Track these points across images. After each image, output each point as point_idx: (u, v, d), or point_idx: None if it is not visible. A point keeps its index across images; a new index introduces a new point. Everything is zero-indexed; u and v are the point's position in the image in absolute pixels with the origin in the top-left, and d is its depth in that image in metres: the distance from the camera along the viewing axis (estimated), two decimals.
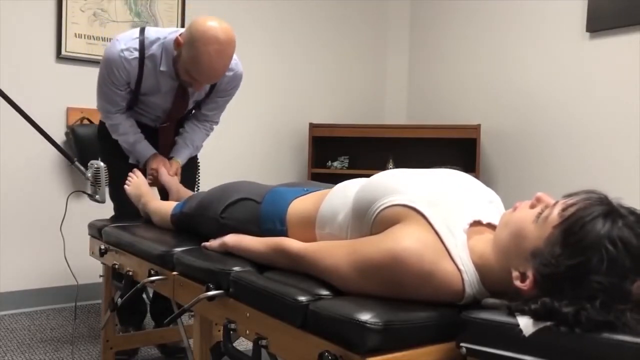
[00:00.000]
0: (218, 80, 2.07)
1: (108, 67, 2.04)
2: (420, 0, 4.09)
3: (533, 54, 3.39)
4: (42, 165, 2.92)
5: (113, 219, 2.21)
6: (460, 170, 1.25)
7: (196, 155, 2.45)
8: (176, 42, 1.97)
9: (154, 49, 2.04)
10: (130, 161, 2.24)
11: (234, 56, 2.09)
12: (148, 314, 2.47)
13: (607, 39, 3.02)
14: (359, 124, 3.79)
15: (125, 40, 2.04)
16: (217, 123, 2.41)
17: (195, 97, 2.24)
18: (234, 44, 1.94)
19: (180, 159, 2.29)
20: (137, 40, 2.04)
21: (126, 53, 2.02)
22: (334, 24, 3.94)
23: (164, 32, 2.06)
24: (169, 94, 2.15)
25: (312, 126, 3.72)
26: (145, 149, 2.23)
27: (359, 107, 4.10)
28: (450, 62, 3.89)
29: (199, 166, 2.56)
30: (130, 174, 2.18)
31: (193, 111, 2.36)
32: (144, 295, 2.46)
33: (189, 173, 2.39)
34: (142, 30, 2.06)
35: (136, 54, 2.03)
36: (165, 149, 2.31)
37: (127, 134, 2.20)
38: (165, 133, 2.31)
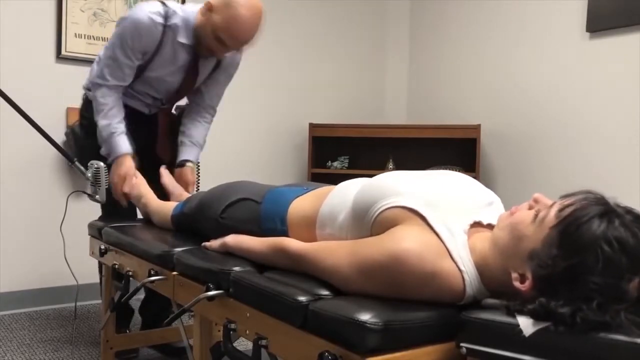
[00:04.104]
0: (246, 44, 2.07)
1: (133, 29, 2.02)
2: (420, 1, 4.09)
3: (533, 54, 3.38)
4: (42, 165, 2.92)
5: (102, 219, 2.20)
6: (459, 172, 1.25)
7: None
8: (207, 5, 2.01)
9: (176, 19, 2.06)
10: (102, 153, 2.12)
11: None
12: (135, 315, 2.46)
13: (607, 39, 3.02)
14: (359, 124, 3.79)
15: (151, 6, 2.05)
16: (215, 111, 2.40)
17: (204, 75, 2.24)
18: (262, 12, 2.02)
19: (193, 158, 2.28)
20: (162, 8, 2.06)
21: (154, 16, 2.03)
22: (334, 23, 3.94)
23: (184, 7, 2.10)
24: (180, 70, 2.16)
25: (312, 126, 3.71)
26: (122, 144, 2.08)
27: (359, 107, 4.10)
28: (450, 62, 3.89)
29: (199, 166, 2.56)
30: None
31: (191, 100, 2.35)
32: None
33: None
34: (163, 2, 2.09)
35: (161, 20, 2.04)
36: (164, 140, 2.28)
37: (111, 120, 2.07)
38: (163, 119, 2.28)
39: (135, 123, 2.20)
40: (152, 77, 2.15)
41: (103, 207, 2.23)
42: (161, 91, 2.22)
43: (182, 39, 2.08)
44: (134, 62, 2.08)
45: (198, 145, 2.32)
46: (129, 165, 2.09)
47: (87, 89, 2.23)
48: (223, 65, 2.27)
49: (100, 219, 2.22)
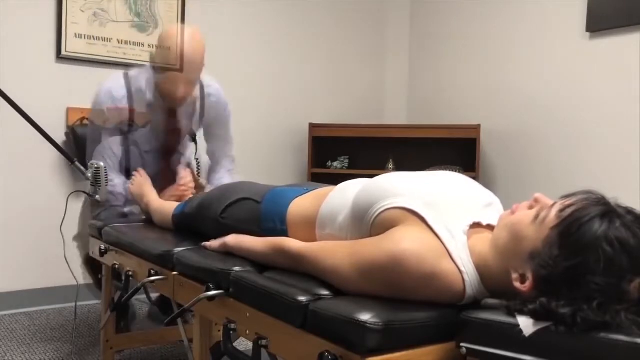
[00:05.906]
0: (198, 67, 2.14)
1: (98, 108, 2.17)
2: (420, 0, 4.09)
3: (533, 54, 3.38)
4: (42, 165, 2.92)
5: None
6: (459, 172, 1.25)
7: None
8: (151, 61, 2.20)
9: (139, 82, 2.18)
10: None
11: (217, 85, 2.31)
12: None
13: (607, 39, 3.02)
14: (359, 124, 3.79)
15: (111, 84, 2.18)
16: (231, 158, 2.57)
17: (186, 125, 2.32)
18: (202, 36, 2.11)
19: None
20: (123, 81, 2.18)
21: (115, 93, 2.15)
22: (334, 24, 3.94)
23: (142, 68, 2.23)
24: (159, 128, 2.24)
25: (312, 126, 3.71)
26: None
27: (359, 107, 4.10)
28: (450, 62, 3.89)
29: (199, 166, 2.57)
30: (134, 172, 2.19)
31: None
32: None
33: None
34: (125, 74, 2.21)
35: (124, 92, 2.16)
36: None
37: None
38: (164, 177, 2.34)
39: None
40: (136, 138, 2.24)
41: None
42: (152, 145, 2.30)
43: (149, 95, 2.18)
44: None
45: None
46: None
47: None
48: (210, 116, 2.36)
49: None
